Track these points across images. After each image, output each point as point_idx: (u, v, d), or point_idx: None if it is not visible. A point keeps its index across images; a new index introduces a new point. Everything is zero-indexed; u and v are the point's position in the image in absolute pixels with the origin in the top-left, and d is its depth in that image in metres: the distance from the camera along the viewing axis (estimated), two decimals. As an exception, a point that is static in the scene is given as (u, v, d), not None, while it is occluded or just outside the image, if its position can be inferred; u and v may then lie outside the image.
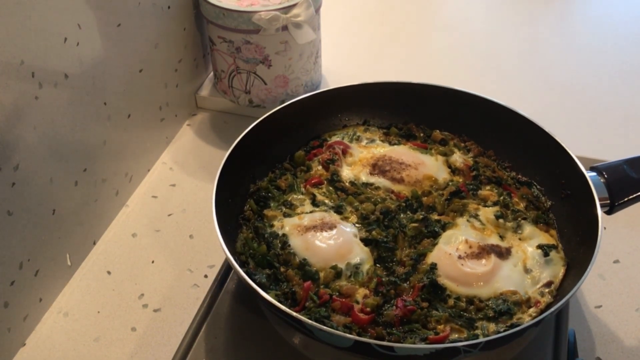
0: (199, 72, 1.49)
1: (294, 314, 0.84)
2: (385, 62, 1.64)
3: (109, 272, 1.16)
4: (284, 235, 1.02)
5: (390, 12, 1.84)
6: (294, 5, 1.28)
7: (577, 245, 0.99)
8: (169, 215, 1.27)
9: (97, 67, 1.11)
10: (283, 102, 1.31)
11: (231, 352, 0.98)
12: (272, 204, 1.09)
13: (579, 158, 1.04)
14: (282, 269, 0.98)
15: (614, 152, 1.18)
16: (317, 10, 1.35)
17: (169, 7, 1.30)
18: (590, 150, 1.31)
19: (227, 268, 1.07)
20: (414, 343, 0.87)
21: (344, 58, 1.62)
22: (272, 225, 1.05)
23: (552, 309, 0.86)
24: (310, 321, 0.84)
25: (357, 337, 0.84)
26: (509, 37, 1.74)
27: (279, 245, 1.01)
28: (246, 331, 1.00)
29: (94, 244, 1.21)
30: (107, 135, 1.18)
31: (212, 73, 1.51)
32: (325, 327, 0.83)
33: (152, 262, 1.18)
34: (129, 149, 1.27)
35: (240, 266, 0.93)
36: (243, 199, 1.09)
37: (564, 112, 1.46)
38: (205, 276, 1.15)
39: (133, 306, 1.11)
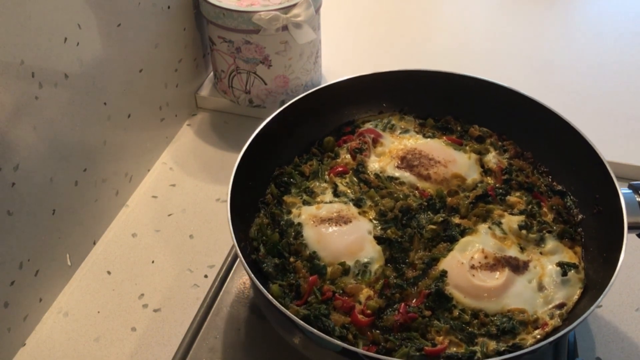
0: (199, 72, 1.49)
1: (287, 312, 0.84)
2: (385, 62, 1.64)
3: (109, 272, 1.16)
4: (299, 224, 1.01)
5: (390, 12, 1.84)
6: (294, 5, 1.28)
7: (600, 267, 0.93)
8: (169, 215, 1.27)
9: (97, 67, 1.11)
10: (283, 102, 1.31)
11: (231, 352, 0.98)
12: (293, 190, 1.08)
13: (614, 164, 0.96)
14: (291, 259, 0.97)
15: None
16: (317, 10, 1.35)
17: (169, 7, 1.30)
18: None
19: (227, 268, 1.08)
20: (409, 351, 0.86)
21: (344, 58, 1.62)
22: (289, 212, 1.03)
23: (551, 339, 0.82)
24: (301, 321, 0.83)
25: (344, 345, 0.82)
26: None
27: (292, 234, 1.00)
28: (246, 331, 1.00)
29: (94, 244, 1.21)
30: (107, 135, 1.18)
31: (212, 73, 1.51)
32: (314, 330, 0.82)
33: (152, 262, 1.18)
34: (129, 149, 1.27)
35: (251, 252, 0.92)
36: (266, 182, 1.08)
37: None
38: (205, 276, 1.15)
39: (133, 306, 1.11)
